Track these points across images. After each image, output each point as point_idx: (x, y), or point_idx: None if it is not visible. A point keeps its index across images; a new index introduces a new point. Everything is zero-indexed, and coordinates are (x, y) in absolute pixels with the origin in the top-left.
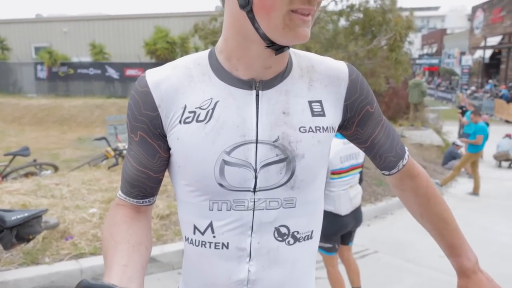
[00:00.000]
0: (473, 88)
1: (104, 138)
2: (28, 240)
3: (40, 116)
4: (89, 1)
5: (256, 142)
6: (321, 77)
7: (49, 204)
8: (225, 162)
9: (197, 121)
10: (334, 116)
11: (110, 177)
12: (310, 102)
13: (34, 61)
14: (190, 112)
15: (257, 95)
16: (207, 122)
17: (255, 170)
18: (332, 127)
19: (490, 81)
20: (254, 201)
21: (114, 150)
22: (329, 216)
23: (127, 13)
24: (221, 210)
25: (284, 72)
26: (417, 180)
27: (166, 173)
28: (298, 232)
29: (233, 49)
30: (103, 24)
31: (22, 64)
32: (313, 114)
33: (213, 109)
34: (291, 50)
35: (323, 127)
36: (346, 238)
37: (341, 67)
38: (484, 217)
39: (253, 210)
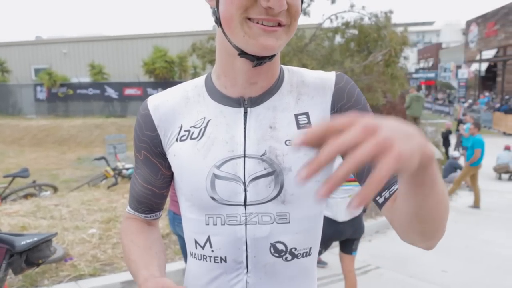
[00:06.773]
0: (470, 101)
1: (103, 158)
2: (38, 265)
3: (40, 137)
4: (89, 22)
5: (244, 157)
6: (309, 90)
7: (49, 226)
8: (215, 176)
9: (191, 138)
10: None
11: (109, 196)
12: (296, 116)
13: (34, 83)
14: (185, 131)
15: (246, 112)
16: (199, 139)
17: (244, 184)
18: None
19: (487, 93)
20: (246, 216)
21: (114, 169)
22: (326, 221)
23: (126, 34)
24: (216, 224)
25: (273, 89)
26: None
27: None
28: (295, 249)
29: (221, 66)
30: (102, 44)
31: (22, 86)
32: (299, 126)
33: (205, 127)
34: (286, 67)
35: None
36: (348, 246)
37: (329, 77)
38: (486, 230)
39: (245, 225)
